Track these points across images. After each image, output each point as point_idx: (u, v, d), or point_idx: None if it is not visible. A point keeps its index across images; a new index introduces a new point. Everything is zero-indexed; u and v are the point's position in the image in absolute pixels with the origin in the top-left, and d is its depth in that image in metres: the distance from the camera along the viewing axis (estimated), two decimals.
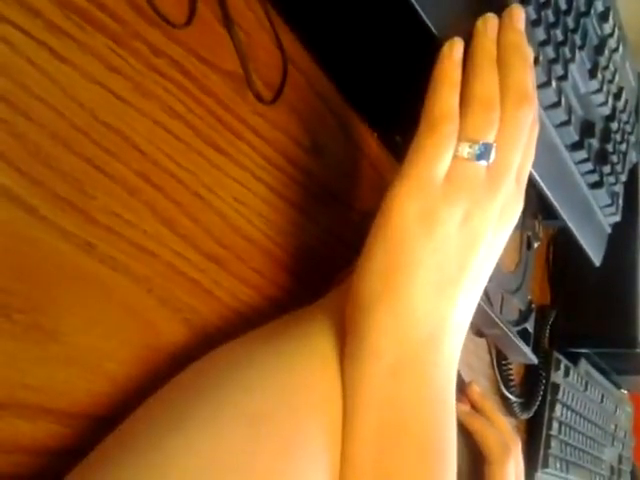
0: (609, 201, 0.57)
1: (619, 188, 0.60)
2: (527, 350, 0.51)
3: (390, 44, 0.39)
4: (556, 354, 0.82)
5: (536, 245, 0.58)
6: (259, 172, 0.39)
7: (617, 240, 0.84)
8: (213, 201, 0.36)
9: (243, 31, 0.38)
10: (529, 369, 0.80)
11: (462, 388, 0.58)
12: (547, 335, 0.82)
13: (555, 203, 0.49)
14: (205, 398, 0.30)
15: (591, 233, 0.58)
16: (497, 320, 0.46)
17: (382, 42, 0.39)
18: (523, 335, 0.53)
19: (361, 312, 0.33)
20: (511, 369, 0.72)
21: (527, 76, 0.34)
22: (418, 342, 0.32)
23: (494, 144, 0.32)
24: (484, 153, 0.32)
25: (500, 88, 0.33)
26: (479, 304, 0.44)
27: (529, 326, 0.54)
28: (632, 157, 0.78)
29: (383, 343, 0.32)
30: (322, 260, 0.43)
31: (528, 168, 0.35)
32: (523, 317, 0.54)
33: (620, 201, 0.61)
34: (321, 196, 0.44)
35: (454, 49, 0.33)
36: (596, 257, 0.61)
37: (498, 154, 0.32)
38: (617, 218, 0.61)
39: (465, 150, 0.32)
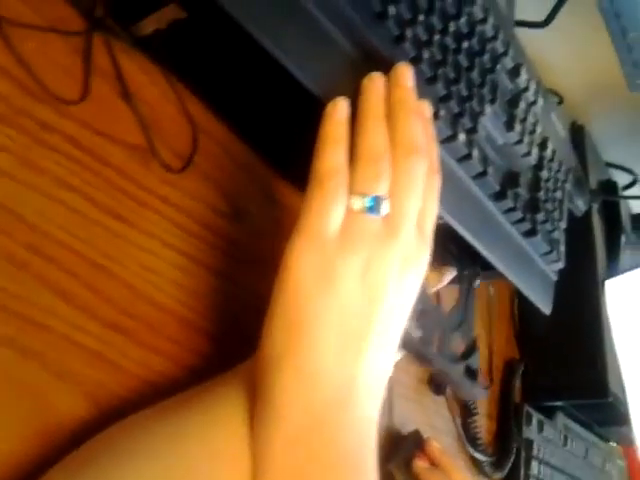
0: (548, 248, 0.57)
1: (559, 235, 0.60)
2: (472, 385, 0.51)
3: (291, 106, 0.40)
4: (528, 408, 0.80)
5: (477, 283, 0.58)
6: (170, 239, 0.39)
7: (578, 288, 0.85)
8: (116, 271, 0.36)
9: (147, 104, 0.40)
10: (501, 426, 0.78)
11: (421, 445, 0.57)
12: (516, 389, 0.81)
13: (484, 252, 0.49)
14: (108, 467, 0.29)
15: (533, 281, 0.58)
16: (431, 357, 0.45)
17: (284, 105, 0.40)
18: (468, 371, 0.53)
19: (266, 375, 0.32)
20: (477, 427, 0.70)
21: (415, 129, 0.35)
22: (323, 404, 0.31)
23: (385, 196, 0.32)
24: (375, 205, 0.32)
25: (390, 143, 0.34)
26: (414, 342, 0.44)
27: (473, 362, 0.53)
28: (580, 205, 0.80)
29: (287, 405, 0.31)
30: (247, 324, 0.43)
31: (431, 216, 0.36)
32: (467, 353, 0.53)
33: (562, 247, 0.61)
34: (245, 260, 0.44)
35: (337, 108, 0.34)
36: (544, 306, 0.61)
37: (393, 205, 0.33)
38: (560, 265, 0.61)
39: (356, 203, 0.32)
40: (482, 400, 0.76)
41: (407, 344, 0.43)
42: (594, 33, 0.71)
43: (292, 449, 0.31)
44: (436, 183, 0.36)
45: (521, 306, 0.89)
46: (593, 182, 0.93)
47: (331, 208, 0.32)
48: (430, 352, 0.46)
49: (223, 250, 0.43)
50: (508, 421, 0.76)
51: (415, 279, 0.34)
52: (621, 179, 1.04)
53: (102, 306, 0.34)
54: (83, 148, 0.35)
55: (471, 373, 0.53)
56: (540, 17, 0.71)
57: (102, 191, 0.36)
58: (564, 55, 0.89)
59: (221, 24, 0.33)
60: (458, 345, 0.52)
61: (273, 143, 0.46)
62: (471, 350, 0.54)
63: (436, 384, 0.65)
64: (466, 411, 0.70)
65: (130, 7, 0.39)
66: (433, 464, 0.57)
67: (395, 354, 0.48)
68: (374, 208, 0.32)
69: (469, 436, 0.69)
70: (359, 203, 0.32)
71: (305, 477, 0.31)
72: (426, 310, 0.49)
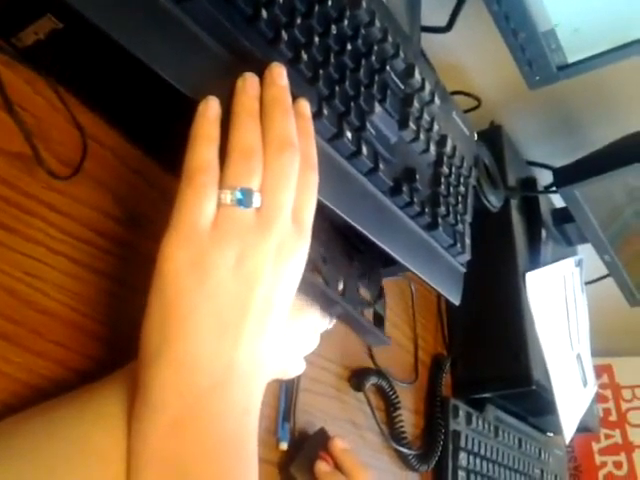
0: (451, 241, 0.59)
1: (463, 228, 0.62)
2: (375, 330, 0.52)
3: (171, 105, 0.40)
4: (455, 402, 0.82)
5: None
6: (58, 246, 0.39)
7: (500, 281, 0.88)
8: None
9: (32, 114, 0.40)
10: (427, 420, 0.80)
11: (325, 444, 0.57)
12: (443, 384, 0.83)
13: (384, 246, 0.50)
14: None
15: (440, 273, 0.60)
16: (336, 299, 0.46)
17: (164, 104, 0.41)
18: (375, 316, 0.55)
19: (144, 370, 0.33)
20: (401, 421, 0.72)
21: (287, 125, 0.36)
22: (199, 392, 0.32)
23: (254, 189, 0.34)
24: (245, 198, 0.33)
25: (263, 140, 0.35)
26: (315, 285, 0.44)
27: (380, 308, 0.55)
28: (493, 200, 0.83)
29: (164, 397, 0.32)
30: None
31: (308, 209, 0.37)
32: (374, 300, 0.55)
33: (467, 240, 0.63)
34: (141, 263, 0.45)
35: (208, 107, 0.35)
36: (453, 297, 0.63)
37: (265, 198, 0.34)
38: (467, 257, 0.63)
39: (227, 197, 0.33)
40: (409, 396, 0.77)
41: (310, 289, 0.44)
42: (498, 34, 0.74)
43: (169, 438, 0.31)
44: (312, 178, 0.37)
45: (447, 303, 0.91)
46: (512, 179, 0.96)
47: (202, 202, 0.33)
48: (335, 294, 0.47)
49: (117, 255, 0.43)
50: (434, 415, 0.78)
51: (293, 269, 0.36)
52: (546, 176, 1.08)
53: None
54: None
55: (378, 318, 0.54)
56: (443, 22, 0.73)
57: None
58: (477, 58, 0.93)
59: (94, 32, 0.33)
60: (364, 293, 0.54)
61: (161, 144, 0.47)
62: (378, 297, 0.55)
63: (356, 380, 0.66)
64: (389, 406, 0.71)
65: (9, 19, 0.40)
66: (337, 465, 0.56)
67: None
68: (244, 201, 0.33)
69: (393, 431, 0.71)
70: (229, 196, 0.33)
71: (182, 466, 0.31)
72: (329, 259, 0.49)
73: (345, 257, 0.53)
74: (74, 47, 0.41)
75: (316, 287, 0.45)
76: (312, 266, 0.46)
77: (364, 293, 0.54)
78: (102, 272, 0.42)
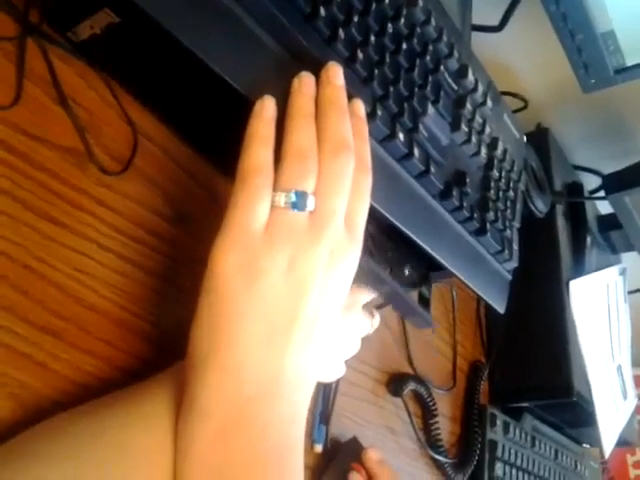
0: (499, 247, 0.58)
1: (511, 234, 0.60)
2: (421, 310, 0.51)
3: (226, 104, 0.40)
4: (492, 410, 0.80)
5: None
6: (107, 242, 0.39)
7: (543, 288, 0.86)
8: (47, 273, 0.36)
9: (85, 109, 0.40)
10: (464, 428, 0.78)
11: (358, 455, 0.55)
12: (481, 391, 0.81)
13: (430, 250, 0.49)
14: (29, 469, 0.29)
15: (486, 280, 0.58)
16: (385, 278, 0.45)
17: (219, 103, 0.41)
18: (421, 298, 0.54)
19: (192, 371, 0.32)
20: (438, 429, 0.70)
21: (343, 127, 0.35)
22: (248, 398, 0.31)
23: (309, 192, 0.33)
24: (299, 201, 0.32)
25: (317, 141, 0.35)
26: (365, 264, 0.43)
27: (425, 291, 0.54)
28: (540, 205, 0.80)
29: (212, 402, 0.31)
30: (187, 327, 0.43)
31: (361, 213, 0.36)
32: (420, 282, 0.54)
33: (515, 246, 0.61)
34: (187, 263, 0.44)
35: (264, 107, 0.34)
36: (498, 304, 0.61)
37: (318, 201, 0.33)
38: (514, 264, 0.61)
39: (281, 200, 0.32)
40: (446, 403, 0.76)
41: (359, 268, 0.43)
42: (552, 36, 0.72)
43: (215, 446, 0.31)
44: (365, 181, 0.36)
45: (486, 309, 0.89)
46: (558, 184, 0.94)
47: (256, 205, 0.32)
48: (384, 274, 0.46)
49: (164, 253, 0.43)
50: (471, 423, 0.77)
51: (344, 274, 0.35)
52: (591, 181, 1.05)
53: (31, 308, 0.34)
54: (15, 152, 0.35)
55: (424, 300, 0.53)
56: (495, 22, 0.72)
57: (34, 193, 0.36)
58: (526, 59, 0.90)
59: (151, 28, 0.33)
60: (411, 275, 0.53)
61: (214, 143, 0.46)
62: (424, 279, 0.54)
63: (394, 385, 0.65)
64: (426, 413, 0.70)
65: (65, 13, 0.39)
66: (370, 476, 0.54)
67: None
68: (298, 204, 0.32)
69: (429, 438, 0.69)
70: (283, 199, 0.32)
71: (228, 474, 0.31)
72: (378, 240, 0.49)
73: (391, 241, 0.52)
74: (129, 42, 0.40)
75: (366, 266, 0.44)
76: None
77: (411, 275, 0.53)
78: (150, 270, 0.42)
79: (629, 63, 0.63)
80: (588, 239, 0.95)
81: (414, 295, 0.54)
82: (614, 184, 0.83)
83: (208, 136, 0.46)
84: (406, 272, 0.52)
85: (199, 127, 0.45)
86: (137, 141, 0.42)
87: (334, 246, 0.33)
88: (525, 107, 0.92)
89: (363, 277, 0.45)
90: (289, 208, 0.32)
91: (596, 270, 0.97)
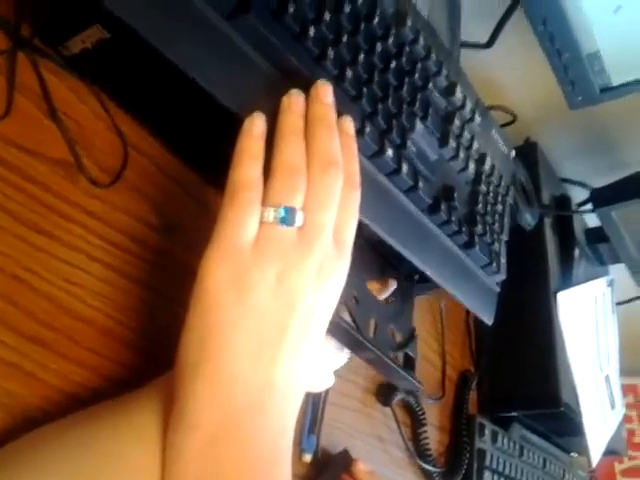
0: (487, 260, 0.58)
1: (499, 247, 0.61)
2: (406, 374, 0.51)
3: (215, 118, 0.40)
4: (481, 420, 0.81)
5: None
6: (97, 253, 0.40)
7: (531, 300, 0.86)
8: (36, 283, 0.36)
9: (75, 122, 0.40)
10: (453, 437, 0.79)
11: (349, 466, 0.55)
12: (470, 401, 0.82)
13: (419, 264, 0.50)
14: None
15: (474, 293, 0.59)
16: (365, 342, 0.46)
17: (209, 118, 0.41)
18: (406, 358, 0.54)
19: (181, 382, 0.33)
20: (427, 438, 0.71)
21: (332, 144, 0.36)
22: (238, 409, 0.32)
23: (298, 207, 0.34)
24: (288, 216, 0.33)
25: (307, 157, 0.35)
26: (344, 327, 0.44)
27: (411, 351, 0.54)
28: (528, 218, 0.81)
29: (201, 412, 0.32)
30: (176, 337, 0.43)
31: (350, 229, 0.37)
32: (405, 343, 0.54)
33: (502, 259, 0.62)
34: (177, 273, 0.45)
35: (254, 124, 0.35)
36: (487, 317, 0.62)
37: (307, 217, 0.34)
38: (502, 276, 0.62)
39: (270, 215, 0.33)
40: (434, 412, 0.77)
41: (340, 331, 0.43)
42: (540, 52, 0.73)
43: (204, 455, 0.31)
44: (354, 197, 0.37)
45: (475, 319, 0.90)
46: (547, 197, 0.95)
47: (245, 219, 0.33)
48: (365, 336, 0.46)
49: (154, 263, 0.43)
50: (460, 432, 0.77)
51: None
52: (580, 194, 1.06)
53: (21, 318, 0.35)
54: (5, 164, 0.36)
55: (408, 360, 0.54)
56: (484, 38, 0.73)
57: (24, 205, 0.36)
58: (515, 74, 0.92)
59: (142, 44, 0.33)
60: (395, 335, 0.53)
61: (203, 157, 0.47)
62: (409, 339, 0.54)
63: (383, 395, 0.66)
64: (415, 422, 0.71)
65: (57, 28, 0.40)
66: None
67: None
68: (287, 219, 0.33)
69: (418, 447, 0.70)
70: (272, 214, 0.33)
71: None
72: (361, 299, 0.49)
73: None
74: (120, 57, 0.41)
75: (347, 331, 0.45)
76: (344, 306, 0.46)
77: (396, 334, 0.54)
78: (138, 280, 0.42)
79: (614, 83, 0.64)
80: (576, 251, 0.96)
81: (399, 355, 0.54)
82: (601, 198, 0.84)
83: (198, 149, 0.47)
84: (390, 331, 0.52)
85: (189, 140, 0.46)
86: (127, 153, 0.43)
87: (323, 261, 0.34)
88: (514, 121, 0.92)
89: (344, 341, 0.46)
90: (278, 223, 0.33)
91: (584, 282, 0.98)
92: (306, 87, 0.38)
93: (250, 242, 0.33)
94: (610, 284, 1.12)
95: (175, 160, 0.46)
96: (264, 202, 0.33)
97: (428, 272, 0.51)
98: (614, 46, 0.60)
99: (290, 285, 0.33)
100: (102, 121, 0.42)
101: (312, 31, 0.38)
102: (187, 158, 0.46)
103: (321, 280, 0.34)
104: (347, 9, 0.42)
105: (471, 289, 0.59)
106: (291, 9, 0.37)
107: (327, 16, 0.40)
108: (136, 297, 0.42)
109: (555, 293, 0.88)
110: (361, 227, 0.43)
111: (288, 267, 0.33)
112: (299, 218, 0.34)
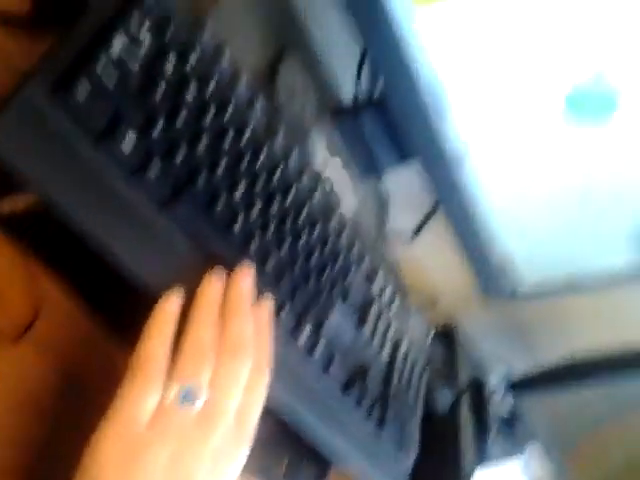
0: (398, 441, 0.59)
1: (411, 428, 0.63)
2: None
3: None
4: None
5: None
6: None
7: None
8: None
9: None
10: None
11: None
12: None
13: (325, 447, 0.51)
14: None
15: (384, 474, 0.59)
16: None
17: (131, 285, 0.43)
18: None
19: None
20: None
21: (244, 329, 0.38)
22: None
23: (202, 387, 0.34)
24: (189, 395, 0.34)
25: (219, 337, 0.37)
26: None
27: None
28: (443, 400, 0.84)
29: None
30: None
31: (253, 412, 0.38)
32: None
33: (414, 440, 0.64)
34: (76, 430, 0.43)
35: (168, 301, 0.36)
36: None
37: (210, 398, 0.35)
38: (413, 455, 0.63)
39: (171, 393, 0.34)
40: None
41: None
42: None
43: None
44: (261, 381, 0.38)
45: None
46: (463, 379, 0.98)
47: (145, 395, 0.33)
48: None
49: (53, 423, 0.42)
50: None
51: (230, 472, 0.35)
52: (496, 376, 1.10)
53: None
54: None
55: None
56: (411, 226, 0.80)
57: None
58: (437, 261, 0.98)
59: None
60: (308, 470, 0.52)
61: (120, 318, 0.47)
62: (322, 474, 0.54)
63: None
64: None
65: None
66: None
67: None
68: (188, 398, 0.34)
69: None
70: (174, 392, 0.33)
71: None
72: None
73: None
74: (47, 224, 0.42)
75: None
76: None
77: (308, 470, 0.53)
78: (36, 438, 0.41)
79: (527, 285, 0.70)
80: (492, 432, 0.98)
81: None
82: (519, 387, 0.88)
83: (116, 310, 0.47)
84: (304, 467, 0.52)
85: (107, 300, 0.47)
86: (40, 307, 0.43)
87: (221, 445, 0.35)
88: (434, 305, 0.98)
89: None
90: (179, 402, 0.33)
91: (501, 461, 0.99)
92: (230, 266, 0.40)
93: (147, 419, 0.33)
94: (527, 464, 1.12)
95: (89, 317, 0.46)
96: (168, 378, 0.34)
97: (334, 455, 0.52)
98: (526, 252, 0.66)
99: (183, 468, 0.33)
100: (17, 272, 0.42)
101: (239, 226, 0.41)
102: (103, 316, 0.47)
103: (217, 464, 0.34)
104: (275, 207, 0.46)
105: (381, 470, 0.59)
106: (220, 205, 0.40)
107: (256, 208, 0.43)
108: (32, 457, 0.40)
109: (469, 473, 0.88)
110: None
111: (184, 449, 0.33)
112: (201, 398, 0.34)
